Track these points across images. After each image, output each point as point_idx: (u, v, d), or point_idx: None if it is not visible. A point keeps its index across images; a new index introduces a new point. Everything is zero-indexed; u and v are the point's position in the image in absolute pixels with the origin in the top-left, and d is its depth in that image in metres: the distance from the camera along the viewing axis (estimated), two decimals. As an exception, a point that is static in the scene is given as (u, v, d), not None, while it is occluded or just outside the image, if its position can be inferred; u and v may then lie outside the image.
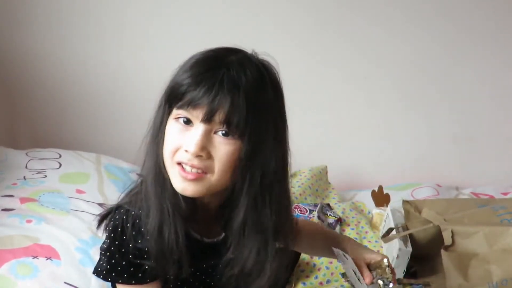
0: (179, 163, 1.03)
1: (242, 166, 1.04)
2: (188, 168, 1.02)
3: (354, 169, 2.58)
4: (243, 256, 1.11)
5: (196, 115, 1.01)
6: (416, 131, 2.55)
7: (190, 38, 2.25)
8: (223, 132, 1.01)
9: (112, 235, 1.10)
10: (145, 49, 2.37)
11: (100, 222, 1.17)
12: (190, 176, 1.02)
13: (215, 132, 1.02)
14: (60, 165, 2.01)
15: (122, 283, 1.11)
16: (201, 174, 1.03)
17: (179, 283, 1.16)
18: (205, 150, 1.01)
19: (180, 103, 1.01)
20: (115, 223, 1.10)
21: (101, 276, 1.13)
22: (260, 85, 1.04)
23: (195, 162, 1.02)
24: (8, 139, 2.37)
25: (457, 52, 2.43)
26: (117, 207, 1.13)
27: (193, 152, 1.01)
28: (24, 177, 1.90)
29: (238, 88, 1.00)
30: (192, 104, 1.00)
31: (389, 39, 2.41)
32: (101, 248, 1.14)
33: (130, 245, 1.08)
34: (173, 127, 1.04)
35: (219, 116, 0.99)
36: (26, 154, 2.07)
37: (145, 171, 1.10)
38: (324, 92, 2.49)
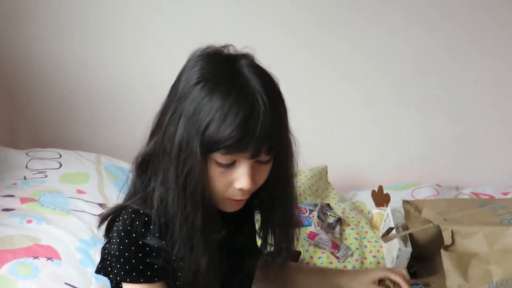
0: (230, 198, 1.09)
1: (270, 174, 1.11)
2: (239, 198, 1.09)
3: (354, 169, 2.58)
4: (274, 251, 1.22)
5: (243, 156, 1.03)
6: (416, 131, 2.55)
7: (190, 38, 2.24)
8: (266, 160, 1.07)
9: (122, 233, 1.09)
10: (145, 49, 2.37)
11: (102, 221, 1.17)
12: (242, 203, 1.11)
13: (258, 162, 1.06)
14: (60, 165, 2.01)
15: (130, 282, 1.10)
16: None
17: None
18: (254, 181, 1.07)
19: (225, 151, 1.01)
20: (125, 221, 1.09)
21: (110, 275, 1.13)
22: (280, 102, 1.07)
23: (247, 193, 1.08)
24: (8, 139, 2.38)
25: (457, 52, 2.43)
26: (124, 207, 1.13)
27: (248, 189, 1.06)
28: (25, 177, 1.90)
29: (274, 118, 1.02)
30: (241, 150, 1.01)
31: (389, 39, 2.41)
32: (107, 248, 1.14)
33: (140, 242, 1.08)
34: (216, 169, 1.04)
35: (263, 150, 1.03)
36: (26, 154, 2.07)
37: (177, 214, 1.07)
38: (324, 92, 2.49)
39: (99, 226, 1.18)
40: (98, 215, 1.24)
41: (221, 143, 0.99)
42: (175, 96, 1.05)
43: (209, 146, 1.00)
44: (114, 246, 1.10)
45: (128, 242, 1.08)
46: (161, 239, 1.09)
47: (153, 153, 1.10)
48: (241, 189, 1.05)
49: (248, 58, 1.07)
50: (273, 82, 1.07)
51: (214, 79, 1.01)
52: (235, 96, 0.99)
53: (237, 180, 1.05)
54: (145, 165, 1.13)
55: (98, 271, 1.18)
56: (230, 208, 1.11)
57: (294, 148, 1.14)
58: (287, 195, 1.17)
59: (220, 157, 1.02)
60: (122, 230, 1.09)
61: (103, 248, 1.17)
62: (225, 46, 1.09)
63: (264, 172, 1.08)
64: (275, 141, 1.04)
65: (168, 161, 1.06)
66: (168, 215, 1.08)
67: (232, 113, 0.99)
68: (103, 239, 1.19)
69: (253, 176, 1.05)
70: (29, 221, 1.64)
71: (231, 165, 1.04)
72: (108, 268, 1.15)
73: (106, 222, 1.18)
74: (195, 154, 1.01)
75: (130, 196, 1.16)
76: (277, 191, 1.15)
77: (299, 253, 1.81)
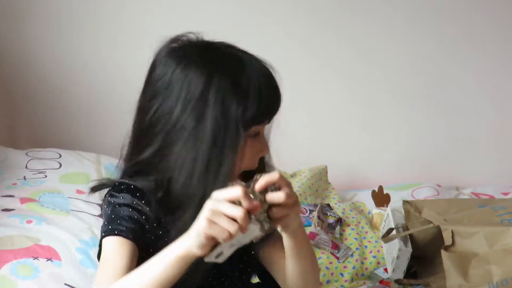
0: None
1: None
2: None
3: (354, 169, 2.58)
4: None
5: (265, 123, 1.15)
6: (416, 131, 2.55)
7: (190, 38, 2.25)
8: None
9: (110, 194, 1.17)
10: (144, 49, 2.36)
11: (94, 190, 1.25)
12: None
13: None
14: (60, 165, 2.01)
15: (106, 235, 1.12)
16: None
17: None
18: None
19: (261, 119, 1.11)
20: (119, 187, 1.17)
21: (104, 233, 1.14)
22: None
23: None
24: (8, 139, 2.37)
25: (457, 52, 2.43)
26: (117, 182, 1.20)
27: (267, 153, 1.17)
28: (24, 177, 1.90)
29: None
30: (271, 116, 1.14)
31: (389, 39, 2.41)
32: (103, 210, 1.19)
33: (134, 202, 1.14)
34: (248, 143, 1.10)
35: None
36: (26, 154, 2.07)
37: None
38: (324, 92, 2.49)
39: (90, 193, 1.27)
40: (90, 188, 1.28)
41: (260, 114, 1.09)
42: (188, 92, 1.09)
43: (250, 121, 1.08)
44: (103, 213, 1.17)
45: (112, 203, 1.15)
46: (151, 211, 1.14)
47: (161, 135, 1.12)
48: (262, 157, 1.16)
49: (218, 42, 1.15)
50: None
51: (224, 66, 1.10)
52: (252, 73, 1.09)
53: (262, 148, 1.14)
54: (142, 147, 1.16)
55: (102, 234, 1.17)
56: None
57: None
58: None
59: (254, 128, 1.11)
60: (109, 197, 1.16)
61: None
62: (184, 35, 1.17)
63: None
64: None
65: (192, 142, 1.08)
66: (178, 196, 1.10)
67: (259, 86, 1.08)
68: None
69: None
70: (29, 221, 1.64)
71: (257, 135, 1.13)
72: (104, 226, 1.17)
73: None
74: (235, 131, 1.07)
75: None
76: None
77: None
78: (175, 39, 1.18)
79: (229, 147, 1.07)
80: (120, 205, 1.14)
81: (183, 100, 1.08)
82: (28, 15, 2.30)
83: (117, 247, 1.10)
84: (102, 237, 1.14)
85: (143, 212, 1.14)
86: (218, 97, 1.07)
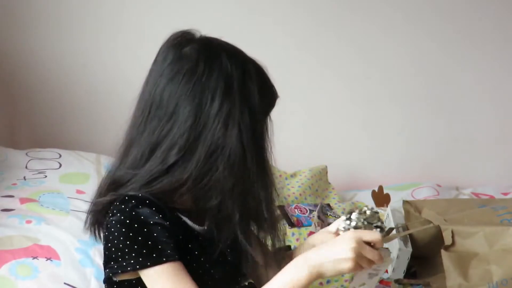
0: None
1: None
2: None
3: (354, 169, 2.58)
4: None
5: None
6: (416, 131, 2.55)
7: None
8: None
9: (127, 221, 1.07)
10: (144, 49, 2.35)
11: (95, 217, 1.18)
12: None
13: None
14: (60, 165, 2.01)
15: (152, 265, 1.06)
16: None
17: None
18: None
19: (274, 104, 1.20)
20: (125, 209, 1.08)
21: (120, 270, 1.08)
22: None
23: None
24: (8, 139, 2.37)
25: (457, 52, 2.44)
26: (118, 198, 1.12)
27: None
28: (24, 177, 1.90)
29: None
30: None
31: (390, 40, 2.41)
32: (109, 242, 1.10)
33: (152, 222, 1.08)
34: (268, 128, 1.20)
35: None
36: (26, 154, 2.06)
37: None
38: (324, 92, 2.49)
39: (89, 224, 1.20)
40: (88, 212, 1.23)
41: (273, 101, 1.18)
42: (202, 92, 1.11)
43: (268, 107, 1.18)
44: (121, 238, 1.07)
45: (138, 225, 1.07)
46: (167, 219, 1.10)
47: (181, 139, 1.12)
48: None
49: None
50: None
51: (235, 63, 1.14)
52: (255, 65, 1.16)
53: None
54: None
55: (111, 270, 1.11)
56: None
57: None
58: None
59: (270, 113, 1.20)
60: (125, 218, 1.07)
61: (103, 248, 1.13)
62: (185, 32, 1.20)
63: None
64: None
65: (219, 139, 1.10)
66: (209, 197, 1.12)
67: (265, 76, 1.17)
68: (92, 238, 1.20)
69: None
70: (28, 222, 1.64)
71: None
72: (114, 265, 1.09)
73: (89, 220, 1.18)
74: (259, 121, 1.15)
75: (115, 186, 1.15)
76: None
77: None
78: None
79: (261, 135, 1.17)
80: (148, 225, 1.08)
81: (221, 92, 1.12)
82: (28, 15, 2.30)
83: (173, 275, 1.06)
84: (144, 267, 1.06)
85: (167, 223, 1.10)
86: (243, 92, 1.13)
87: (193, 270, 1.11)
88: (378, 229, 1.10)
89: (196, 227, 1.18)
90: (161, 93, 1.13)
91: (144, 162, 1.13)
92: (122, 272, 1.08)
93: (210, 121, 1.10)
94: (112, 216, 1.10)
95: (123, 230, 1.07)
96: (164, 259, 1.06)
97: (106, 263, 1.12)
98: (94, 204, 1.19)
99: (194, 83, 1.11)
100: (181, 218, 1.16)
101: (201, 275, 1.13)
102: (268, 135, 1.18)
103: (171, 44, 1.19)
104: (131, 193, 1.10)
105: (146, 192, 1.10)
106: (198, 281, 1.09)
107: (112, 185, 1.17)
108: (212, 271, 1.17)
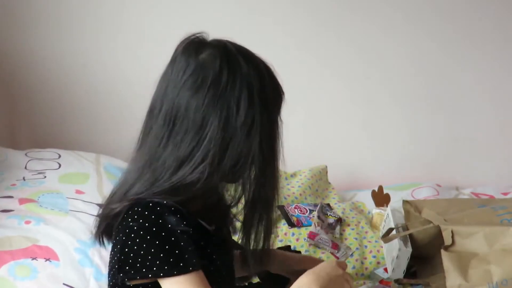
0: None
1: None
2: None
3: (354, 169, 2.58)
4: None
5: None
6: (416, 131, 2.55)
7: (190, 38, 2.25)
8: None
9: (154, 228, 1.06)
10: (144, 49, 2.37)
11: (105, 221, 1.16)
12: None
13: None
14: (60, 165, 2.01)
15: (178, 273, 1.06)
16: None
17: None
18: None
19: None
20: (149, 215, 1.08)
21: (138, 276, 1.06)
22: None
23: None
24: (8, 139, 2.37)
25: (457, 52, 2.43)
26: (137, 202, 1.10)
27: None
28: (24, 178, 1.90)
29: None
30: None
31: (390, 39, 2.41)
32: (127, 248, 1.07)
33: (178, 230, 1.08)
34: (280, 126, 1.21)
35: None
36: (26, 154, 2.06)
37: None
38: (324, 92, 2.49)
39: (101, 230, 1.18)
40: (97, 215, 1.21)
41: (282, 98, 1.19)
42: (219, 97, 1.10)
43: (279, 107, 1.19)
44: (143, 244, 1.05)
45: (165, 233, 1.06)
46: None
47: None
48: None
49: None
50: None
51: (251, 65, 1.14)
52: (265, 65, 1.17)
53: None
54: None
55: (126, 275, 1.08)
56: None
57: None
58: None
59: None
60: (151, 224, 1.06)
61: (117, 252, 1.10)
62: (196, 37, 1.16)
63: None
64: None
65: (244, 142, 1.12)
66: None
67: (274, 75, 1.18)
68: (96, 241, 1.19)
69: None
70: (27, 222, 1.64)
71: None
72: (131, 270, 1.07)
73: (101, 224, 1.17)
74: (275, 122, 1.17)
75: (137, 190, 1.12)
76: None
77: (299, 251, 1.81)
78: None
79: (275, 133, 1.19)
80: (175, 234, 1.08)
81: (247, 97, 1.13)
82: (28, 15, 2.30)
83: (195, 285, 1.07)
84: (169, 276, 1.06)
85: (191, 230, 1.11)
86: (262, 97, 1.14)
87: (209, 273, 1.12)
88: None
89: (209, 228, 1.20)
90: (186, 105, 1.10)
91: (170, 175, 1.11)
92: (141, 278, 1.07)
93: (237, 132, 1.10)
94: (132, 221, 1.08)
95: (148, 237, 1.06)
96: (190, 268, 1.07)
97: (120, 268, 1.09)
98: (106, 208, 1.17)
99: (220, 96, 1.09)
100: (200, 223, 1.17)
101: (217, 278, 1.16)
102: (280, 137, 1.19)
103: (186, 51, 1.13)
104: (155, 199, 1.09)
105: (170, 199, 1.10)
106: (213, 285, 1.11)
107: (128, 192, 1.14)
108: (224, 273, 1.20)
